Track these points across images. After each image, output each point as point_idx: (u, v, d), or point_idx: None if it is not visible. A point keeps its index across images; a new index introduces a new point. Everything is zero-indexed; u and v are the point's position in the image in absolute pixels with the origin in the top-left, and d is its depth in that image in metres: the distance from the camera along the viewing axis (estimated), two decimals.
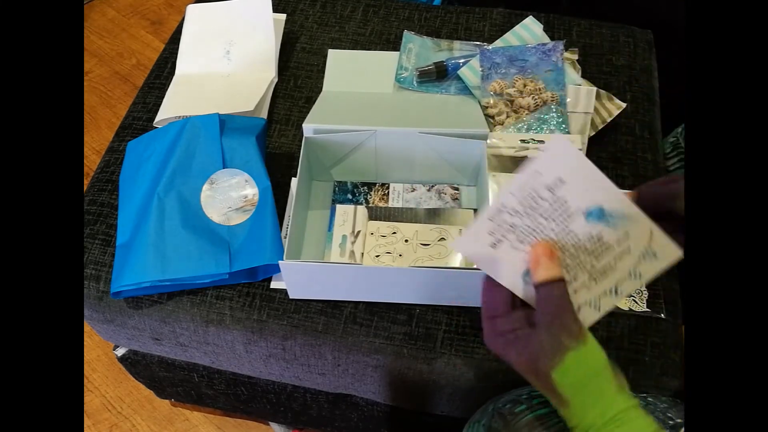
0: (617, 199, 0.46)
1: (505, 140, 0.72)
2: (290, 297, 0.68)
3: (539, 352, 0.45)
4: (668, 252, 0.47)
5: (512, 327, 0.47)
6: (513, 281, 0.49)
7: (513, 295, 0.49)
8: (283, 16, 0.93)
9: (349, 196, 0.75)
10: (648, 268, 0.48)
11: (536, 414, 0.53)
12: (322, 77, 0.86)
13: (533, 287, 0.47)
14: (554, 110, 0.76)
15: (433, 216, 0.72)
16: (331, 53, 0.88)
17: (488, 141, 0.71)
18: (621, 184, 0.76)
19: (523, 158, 0.71)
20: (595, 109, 0.79)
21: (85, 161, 1.45)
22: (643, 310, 0.67)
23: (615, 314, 0.66)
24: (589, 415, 0.43)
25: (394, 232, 0.71)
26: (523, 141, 0.72)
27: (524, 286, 0.48)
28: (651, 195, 0.50)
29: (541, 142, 0.72)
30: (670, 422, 0.49)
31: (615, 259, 0.48)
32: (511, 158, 0.72)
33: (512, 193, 0.47)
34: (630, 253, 0.48)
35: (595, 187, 0.46)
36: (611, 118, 0.79)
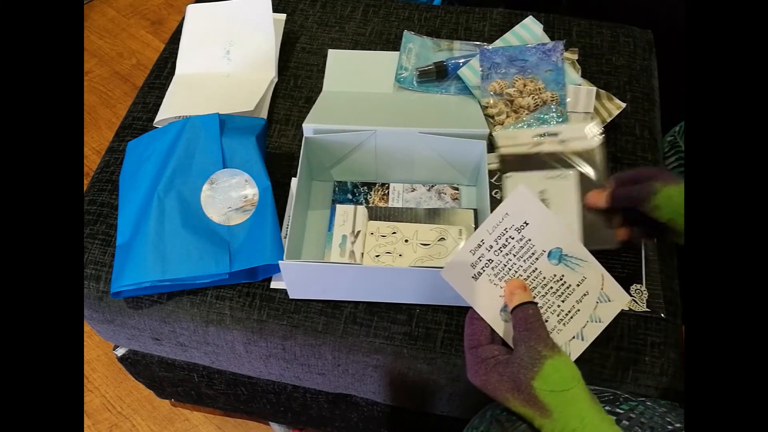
0: (573, 243, 0.54)
1: (516, 138, 0.70)
2: (290, 297, 0.68)
3: (519, 367, 0.48)
4: (619, 296, 0.55)
5: (492, 354, 0.51)
6: (492, 316, 0.54)
7: (493, 330, 0.54)
8: (283, 16, 0.93)
9: (349, 196, 0.75)
10: (605, 312, 0.55)
11: None
12: (322, 77, 0.86)
13: (509, 320, 0.53)
14: (554, 110, 0.76)
15: (433, 216, 0.72)
16: (331, 53, 0.88)
17: (497, 144, 0.69)
18: None
19: (537, 154, 0.69)
20: (595, 109, 0.79)
21: (85, 161, 1.45)
22: (643, 310, 0.67)
23: None
24: (570, 423, 0.45)
25: (394, 232, 0.71)
26: (539, 135, 0.70)
27: (502, 322, 0.54)
28: (623, 197, 0.59)
29: (554, 134, 0.69)
30: (669, 427, 0.49)
31: (577, 302, 0.55)
32: (524, 156, 0.69)
33: (488, 230, 0.54)
34: (589, 296, 0.55)
35: (554, 231, 0.54)
36: (611, 118, 0.79)
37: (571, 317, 0.55)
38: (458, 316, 0.67)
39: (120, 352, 0.87)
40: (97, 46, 1.68)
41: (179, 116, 0.79)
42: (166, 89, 0.86)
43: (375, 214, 0.73)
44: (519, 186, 0.54)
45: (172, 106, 0.82)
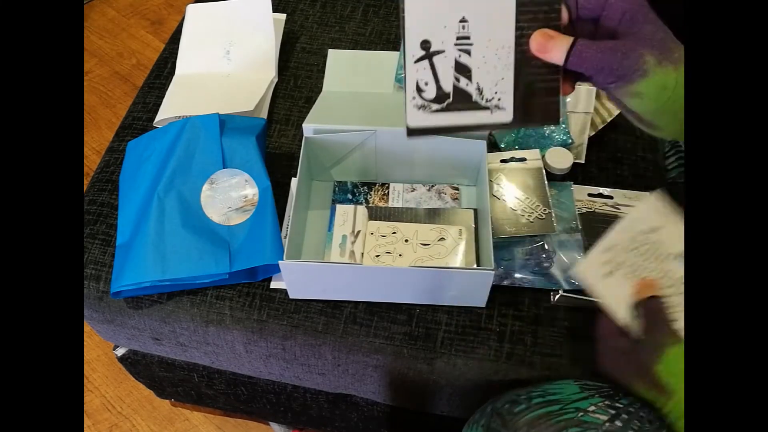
0: None
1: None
2: (290, 297, 0.68)
3: (644, 353, 0.51)
4: None
5: (621, 344, 0.54)
6: (621, 312, 0.56)
7: (621, 324, 0.56)
8: (283, 16, 0.93)
9: (349, 196, 0.75)
10: None
11: (535, 413, 0.53)
12: (322, 77, 0.86)
13: (638, 316, 0.54)
14: None
15: (433, 216, 0.72)
16: (331, 53, 0.88)
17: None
18: (621, 183, 0.76)
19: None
20: (595, 109, 0.79)
21: (85, 161, 1.45)
22: None
23: None
24: None
25: (394, 232, 0.71)
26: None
27: (630, 318, 0.55)
28: (590, 57, 0.44)
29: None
30: (668, 421, 0.50)
31: None
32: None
33: (620, 233, 0.57)
34: None
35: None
36: (611, 118, 0.79)
37: None
38: (458, 316, 0.67)
39: (120, 352, 0.87)
40: (97, 46, 1.68)
41: (179, 116, 0.79)
42: (166, 89, 0.86)
43: (375, 214, 0.73)
44: (654, 193, 0.58)
45: (172, 106, 0.82)
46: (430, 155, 0.72)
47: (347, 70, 0.86)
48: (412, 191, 0.76)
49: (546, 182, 0.73)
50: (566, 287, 0.67)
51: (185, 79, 0.87)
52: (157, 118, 0.82)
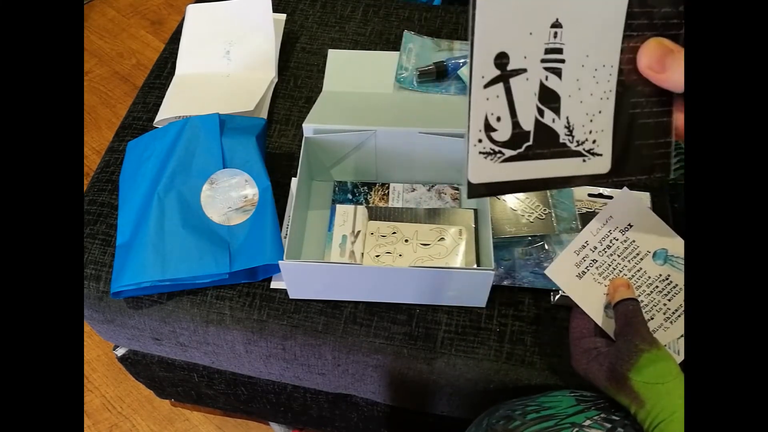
0: (679, 244, 0.55)
1: None
2: (290, 297, 0.68)
3: (617, 358, 0.50)
4: None
5: (594, 345, 0.54)
6: (596, 312, 0.56)
7: (596, 324, 0.56)
8: (283, 16, 0.93)
9: (349, 196, 0.75)
10: None
11: (531, 430, 0.53)
12: (322, 77, 0.86)
13: (612, 316, 0.54)
14: None
15: (433, 216, 0.72)
16: (331, 53, 0.88)
17: None
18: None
19: None
20: None
21: (85, 161, 1.45)
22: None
23: None
24: (660, 414, 0.47)
25: (394, 232, 0.71)
26: None
27: (605, 318, 0.55)
28: None
29: None
30: None
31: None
32: None
33: (592, 232, 0.55)
34: None
35: (658, 233, 0.54)
36: None
37: (679, 315, 0.56)
38: (458, 316, 0.67)
39: (120, 352, 0.87)
40: (97, 46, 1.68)
41: (179, 116, 0.79)
42: (166, 89, 0.86)
43: (375, 214, 0.73)
44: (624, 191, 0.54)
45: (172, 106, 0.82)
46: (430, 155, 0.72)
47: (347, 70, 0.86)
48: (412, 191, 0.76)
49: None
50: None
51: (185, 79, 0.87)
52: (157, 118, 0.82)
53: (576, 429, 0.50)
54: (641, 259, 0.56)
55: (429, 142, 0.70)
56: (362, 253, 0.70)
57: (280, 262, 0.61)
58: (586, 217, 0.72)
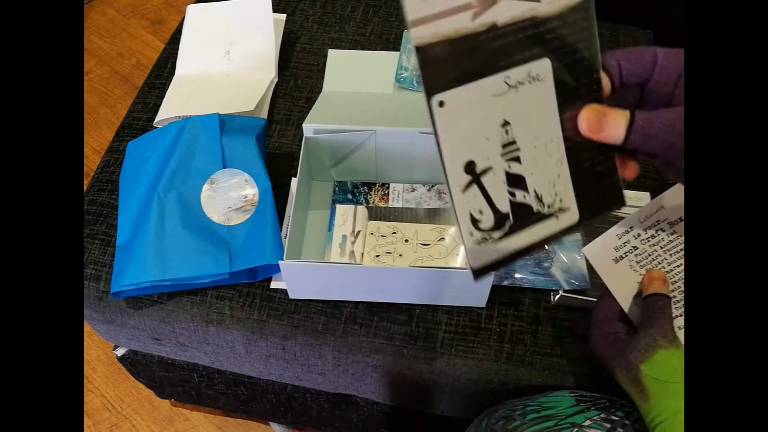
0: None
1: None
2: (290, 297, 0.68)
3: (634, 348, 0.50)
4: None
5: (615, 330, 0.53)
6: (625, 298, 0.55)
7: (622, 310, 0.55)
8: (283, 16, 0.93)
9: (349, 196, 0.75)
10: None
11: (530, 430, 0.53)
12: (322, 77, 0.86)
13: (640, 307, 0.53)
14: None
15: (433, 216, 0.72)
16: (331, 53, 0.88)
17: (407, 17, 0.60)
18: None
19: (486, 31, 0.62)
20: None
21: (85, 161, 1.45)
22: None
23: None
24: (663, 412, 0.47)
25: (394, 232, 0.71)
26: None
27: (632, 306, 0.54)
28: (633, 78, 0.41)
29: None
30: None
31: None
32: (464, 40, 0.58)
33: (639, 219, 0.53)
34: None
35: None
36: None
37: None
38: (458, 316, 0.67)
39: (120, 352, 0.87)
40: (97, 46, 1.68)
41: (179, 116, 0.79)
42: (166, 89, 0.86)
43: (375, 214, 0.73)
44: (679, 183, 0.51)
45: (172, 106, 0.82)
46: (430, 155, 0.72)
47: (347, 70, 0.86)
48: (412, 191, 0.76)
49: None
50: (566, 287, 0.67)
51: (185, 79, 0.87)
52: (157, 118, 0.82)
53: (576, 429, 0.50)
54: (681, 255, 0.55)
55: (429, 142, 0.70)
56: (362, 253, 0.70)
57: (280, 262, 0.61)
58: None
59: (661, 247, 0.55)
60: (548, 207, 0.41)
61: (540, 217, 0.41)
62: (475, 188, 0.38)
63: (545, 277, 0.67)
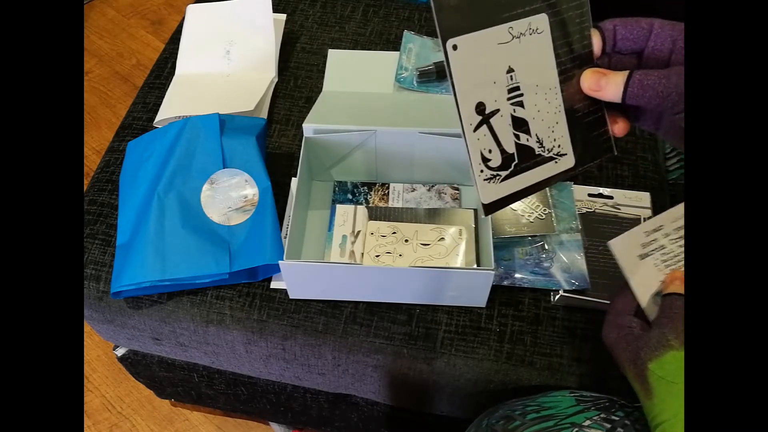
0: None
1: None
2: (290, 297, 0.68)
3: (645, 345, 0.49)
4: None
5: (629, 324, 0.52)
6: (644, 295, 0.54)
7: (639, 305, 0.54)
8: (283, 16, 0.93)
9: (349, 196, 0.75)
10: None
11: (530, 431, 0.53)
12: (322, 77, 0.86)
13: (658, 305, 0.53)
14: None
15: (433, 216, 0.72)
16: (331, 53, 0.88)
17: None
18: (621, 183, 0.76)
19: None
20: None
21: (85, 161, 1.45)
22: None
23: None
24: (665, 412, 0.46)
25: (394, 232, 0.71)
26: None
27: (650, 304, 0.54)
28: (649, 91, 0.42)
29: None
30: None
31: None
32: None
33: (671, 219, 0.54)
34: None
35: None
36: None
37: None
38: (458, 316, 0.67)
39: (120, 352, 0.87)
40: (97, 46, 1.68)
41: (179, 116, 0.79)
42: (166, 89, 0.86)
43: (375, 214, 0.73)
44: None
45: (172, 106, 0.82)
46: (430, 155, 0.72)
47: (347, 70, 0.86)
48: (412, 191, 0.76)
49: None
50: (566, 287, 0.67)
51: (185, 79, 0.87)
52: (157, 118, 0.82)
53: (576, 429, 0.50)
54: None
55: (429, 142, 0.70)
56: (362, 253, 0.70)
57: (280, 262, 0.61)
58: (586, 217, 0.72)
59: (683, 246, 0.54)
60: (548, 151, 0.45)
61: (541, 160, 0.45)
62: (484, 128, 0.43)
63: (545, 277, 0.67)
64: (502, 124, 0.43)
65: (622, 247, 0.55)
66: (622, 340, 0.52)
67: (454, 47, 0.40)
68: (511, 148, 0.44)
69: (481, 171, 0.43)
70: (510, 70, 0.43)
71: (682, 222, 0.54)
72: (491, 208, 0.44)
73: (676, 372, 0.48)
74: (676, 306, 0.52)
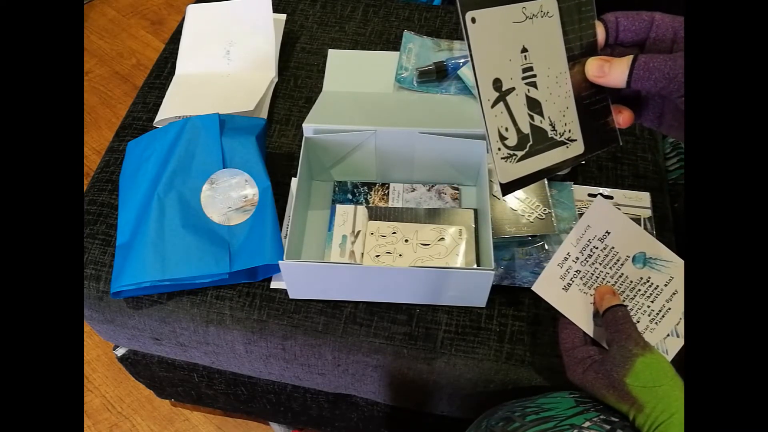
0: (656, 246, 0.56)
1: None
2: (290, 297, 0.68)
3: (612, 366, 0.50)
4: None
5: (588, 354, 0.54)
6: (585, 321, 0.57)
7: (585, 333, 0.56)
8: (283, 16, 0.93)
9: (349, 196, 0.75)
10: None
11: None
12: (322, 77, 0.86)
13: (601, 324, 0.55)
14: None
15: (433, 216, 0.72)
16: (331, 53, 0.88)
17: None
18: (621, 183, 0.76)
19: None
20: None
21: (85, 161, 1.45)
22: None
23: None
24: (659, 417, 0.47)
25: (394, 232, 0.71)
26: None
27: (595, 327, 0.56)
28: (656, 74, 0.42)
29: None
30: None
31: (667, 301, 0.57)
32: None
33: (572, 243, 0.57)
34: (678, 294, 0.57)
35: (636, 237, 0.57)
36: None
37: (663, 316, 0.57)
38: (458, 316, 0.67)
39: (120, 352, 0.87)
40: (97, 46, 1.68)
41: (179, 116, 0.79)
42: (166, 89, 0.86)
43: (375, 214, 0.73)
44: (598, 198, 0.56)
45: (172, 106, 0.82)
46: (430, 155, 0.72)
47: (347, 70, 0.86)
48: (412, 191, 0.76)
49: (546, 182, 0.73)
50: None
51: (185, 79, 0.87)
52: (157, 118, 0.82)
53: (575, 430, 0.50)
54: (622, 264, 0.57)
55: (429, 142, 0.70)
56: (362, 253, 0.70)
57: (280, 262, 0.61)
58: None
59: (600, 263, 0.57)
60: (560, 135, 0.46)
61: (554, 143, 0.45)
62: (501, 105, 0.43)
63: None
64: (517, 103, 0.43)
65: (544, 287, 0.58)
66: (590, 371, 0.53)
67: (473, 20, 0.41)
68: (526, 128, 0.44)
69: (499, 149, 0.43)
70: (524, 50, 0.43)
71: (582, 243, 0.57)
72: (509, 187, 0.44)
73: (653, 376, 0.49)
74: (620, 317, 0.53)
